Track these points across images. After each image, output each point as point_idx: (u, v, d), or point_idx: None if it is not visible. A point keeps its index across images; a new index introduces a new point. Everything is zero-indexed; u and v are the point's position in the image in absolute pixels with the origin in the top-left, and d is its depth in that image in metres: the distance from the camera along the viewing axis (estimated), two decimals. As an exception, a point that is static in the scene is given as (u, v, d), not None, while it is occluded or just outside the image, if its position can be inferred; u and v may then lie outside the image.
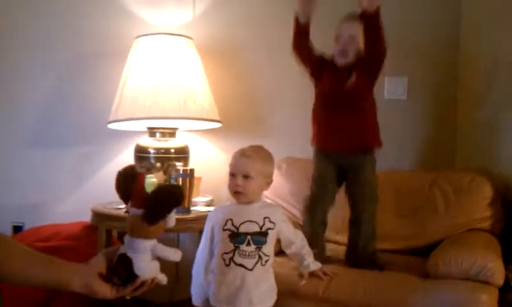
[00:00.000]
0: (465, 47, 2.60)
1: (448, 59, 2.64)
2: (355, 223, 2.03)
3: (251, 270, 1.61)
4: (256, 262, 1.62)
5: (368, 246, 2.00)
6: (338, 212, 2.12)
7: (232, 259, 1.61)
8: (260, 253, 1.63)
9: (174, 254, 1.16)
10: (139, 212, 1.11)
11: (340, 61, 1.99)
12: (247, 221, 1.64)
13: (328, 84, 2.03)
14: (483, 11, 2.46)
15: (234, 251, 1.61)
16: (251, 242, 1.62)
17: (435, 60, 2.66)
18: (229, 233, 1.62)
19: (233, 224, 1.63)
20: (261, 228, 1.64)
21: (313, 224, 2.04)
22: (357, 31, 1.96)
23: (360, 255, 1.98)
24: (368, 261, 1.96)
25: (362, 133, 2.02)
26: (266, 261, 1.64)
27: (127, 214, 1.15)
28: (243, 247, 1.61)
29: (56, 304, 2.07)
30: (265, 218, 1.66)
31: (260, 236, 1.64)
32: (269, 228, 1.66)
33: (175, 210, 1.13)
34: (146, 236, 1.12)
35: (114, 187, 1.15)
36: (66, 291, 1.09)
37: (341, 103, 2.00)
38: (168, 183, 1.15)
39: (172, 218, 1.15)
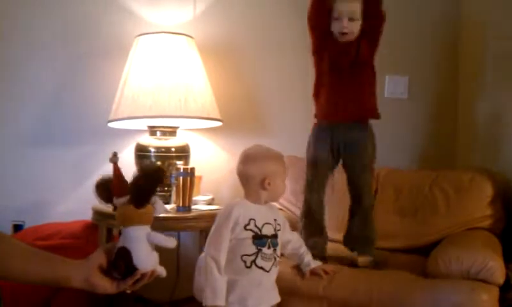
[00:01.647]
0: (466, 45, 2.60)
1: (449, 58, 2.65)
2: (354, 200, 2.01)
3: (268, 272, 1.61)
4: (272, 264, 1.62)
5: (367, 228, 1.98)
6: (339, 210, 2.12)
7: (254, 261, 1.58)
8: (275, 255, 1.63)
9: (169, 241, 1.16)
10: (124, 199, 1.12)
11: (342, 40, 1.92)
12: (266, 223, 1.63)
13: (331, 58, 1.95)
14: (483, 10, 2.46)
15: (257, 253, 1.59)
16: (270, 245, 1.61)
17: (436, 59, 2.67)
18: (252, 234, 1.59)
19: (256, 225, 1.60)
20: (274, 229, 1.64)
21: (312, 207, 2.02)
22: (355, 10, 1.88)
23: (357, 235, 1.98)
24: (364, 245, 1.95)
25: (365, 102, 1.97)
26: (278, 262, 1.64)
27: (115, 212, 1.16)
28: (265, 249, 1.60)
29: (57, 302, 2.08)
30: (274, 219, 1.66)
31: (275, 239, 1.64)
32: (279, 230, 1.66)
33: (161, 201, 1.15)
34: (138, 222, 1.14)
35: (97, 197, 1.19)
36: (67, 287, 1.10)
37: (345, 74, 1.94)
38: (146, 164, 1.18)
39: (161, 206, 1.16)
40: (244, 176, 1.69)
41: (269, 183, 1.65)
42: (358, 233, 1.99)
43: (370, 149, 1.99)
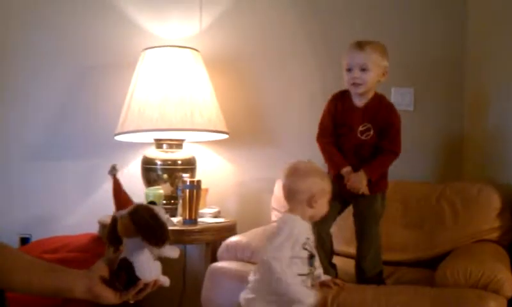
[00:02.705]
0: (471, 57, 2.60)
1: (455, 69, 2.64)
2: (361, 240, 1.98)
3: None
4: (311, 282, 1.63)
5: (376, 267, 1.96)
6: (348, 223, 2.10)
7: (304, 282, 1.57)
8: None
9: (172, 251, 1.16)
10: (125, 212, 1.12)
11: (354, 91, 1.91)
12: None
13: (344, 136, 1.94)
14: (489, 22, 2.46)
15: (308, 274, 1.59)
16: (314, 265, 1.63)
17: (441, 70, 2.66)
18: (308, 253, 1.58)
19: (310, 245, 1.59)
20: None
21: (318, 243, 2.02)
22: (367, 61, 1.86)
23: (367, 276, 1.94)
24: (375, 281, 1.93)
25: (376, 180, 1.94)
26: None
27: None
28: (312, 269, 1.61)
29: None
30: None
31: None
32: None
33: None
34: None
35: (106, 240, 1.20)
36: (70, 298, 1.10)
37: (356, 152, 1.93)
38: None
39: (173, 251, 1.16)
40: (291, 191, 1.64)
41: (315, 201, 1.62)
42: (369, 274, 1.96)
43: (379, 204, 1.97)
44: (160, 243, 1.11)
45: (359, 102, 1.93)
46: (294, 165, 1.67)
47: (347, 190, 1.90)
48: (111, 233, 1.18)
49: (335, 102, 1.97)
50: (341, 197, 1.94)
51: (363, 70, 1.86)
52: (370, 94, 1.93)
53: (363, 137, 1.91)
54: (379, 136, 1.92)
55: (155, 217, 1.13)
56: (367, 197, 1.91)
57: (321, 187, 1.63)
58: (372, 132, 1.90)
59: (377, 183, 1.94)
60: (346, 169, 1.89)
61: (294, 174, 1.64)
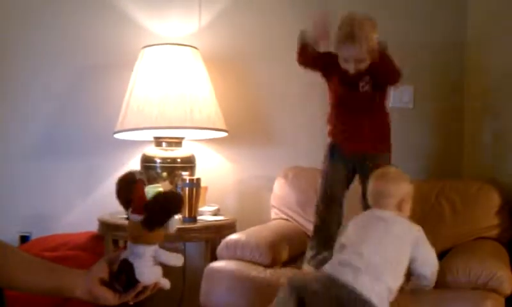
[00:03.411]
0: (471, 55, 2.60)
1: (454, 67, 2.64)
2: None
3: None
4: None
5: None
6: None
7: None
8: None
9: (176, 259, 1.16)
10: (139, 218, 1.11)
11: (349, 69, 1.95)
12: None
13: (339, 88, 2.00)
14: (489, 21, 2.46)
15: None
16: None
17: (441, 68, 2.66)
18: None
19: None
20: None
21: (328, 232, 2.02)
22: (359, 52, 1.88)
23: None
24: None
25: (375, 136, 2.00)
26: None
27: (127, 221, 1.16)
28: None
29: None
30: None
31: None
32: None
33: (175, 216, 1.13)
34: (147, 242, 1.12)
35: (115, 194, 1.16)
36: (69, 298, 1.10)
37: (353, 107, 1.98)
38: (167, 190, 1.15)
39: (173, 224, 1.15)
40: (382, 193, 1.69)
41: (404, 205, 1.68)
42: None
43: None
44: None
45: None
46: (383, 170, 1.77)
47: (349, 152, 1.97)
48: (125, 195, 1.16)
49: (329, 57, 2.00)
50: (345, 162, 1.99)
51: (360, 61, 1.89)
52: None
53: (365, 89, 1.94)
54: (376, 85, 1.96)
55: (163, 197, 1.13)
56: (373, 157, 1.95)
57: (409, 191, 1.71)
58: (369, 83, 1.94)
59: (383, 142, 1.99)
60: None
61: (385, 178, 1.72)
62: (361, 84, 1.94)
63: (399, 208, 1.67)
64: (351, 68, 1.91)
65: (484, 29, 2.51)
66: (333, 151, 2.05)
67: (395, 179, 1.70)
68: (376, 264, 1.53)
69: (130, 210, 1.14)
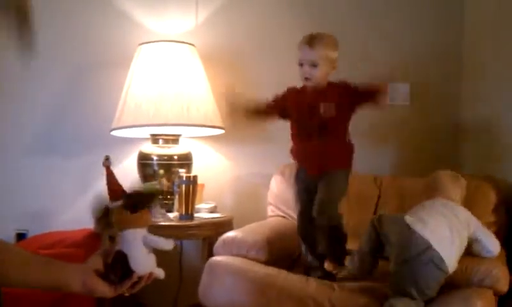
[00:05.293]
0: (468, 52, 2.60)
1: (451, 65, 2.65)
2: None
3: None
4: None
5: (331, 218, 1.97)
6: (348, 218, 2.11)
7: None
8: None
9: (166, 244, 1.16)
10: (119, 203, 1.12)
11: (305, 84, 2.01)
12: None
13: (297, 116, 2.05)
14: (486, 16, 2.46)
15: None
16: None
17: (437, 65, 2.67)
18: None
19: None
20: None
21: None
22: (315, 58, 1.94)
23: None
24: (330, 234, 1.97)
25: (333, 158, 2.01)
26: None
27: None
28: None
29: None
30: None
31: None
32: None
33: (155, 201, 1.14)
34: (133, 225, 1.13)
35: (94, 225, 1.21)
36: (65, 292, 1.10)
37: (312, 135, 2.01)
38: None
39: (156, 210, 1.16)
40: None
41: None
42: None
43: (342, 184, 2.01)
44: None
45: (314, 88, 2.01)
46: (442, 172, 2.06)
47: (310, 174, 2.03)
48: (101, 222, 1.18)
49: (288, 95, 2.10)
50: (308, 182, 2.05)
51: (313, 65, 1.94)
52: (322, 86, 2.00)
53: (327, 114, 1.96)
54: (345, 108, 1.98)
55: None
56: (332, 172, 1.99)
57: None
58: (332, 108, 1.96)
59: (343, 160, 2.02)
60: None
61: (450, 180, 2.02)
62: (322, 110, 1.96)
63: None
64: (305, 72, 1.95)
65: (480, 27, 2.51)
66: (299, 173, 2.12)
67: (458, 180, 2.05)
68: None
69: (109, 200, 1.15)
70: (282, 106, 2.10)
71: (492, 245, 1.83)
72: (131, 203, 1.12)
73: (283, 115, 2.12)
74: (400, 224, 1.76)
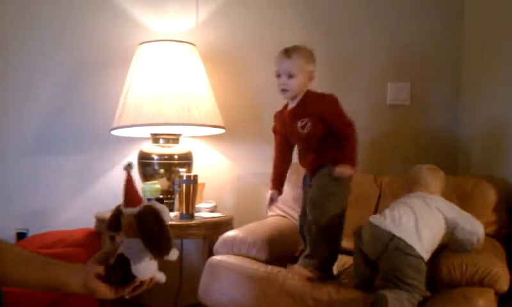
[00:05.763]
0: (467, 52, 2.60)
1: (451, 64, 2.65)
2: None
3: None
4: None
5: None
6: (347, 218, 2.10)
7: None
8: None
9: (171, 254, 1.16)
10: (132, 211, 1.12)
11: (283, 96, 2.04)
12: None
13: (287, 136, 2.12)
14: (486, 17, 2.46)
15: None
16: None
17: (438, 65, 2.67)
18: None
19: None
20: None
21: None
22: (292, 69, 1.97)
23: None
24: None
25: (325, 157, 2.02)
26: None
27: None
28: None
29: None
30: None
31: None
32: None
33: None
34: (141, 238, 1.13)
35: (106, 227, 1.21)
36: (66, 292, 1.10)
37: (303, 148, 2.09)
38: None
39: (167, 215, 1.16)
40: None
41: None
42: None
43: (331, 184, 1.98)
44: (162, 254, 1.12)
45: (292, 105, 2.05)
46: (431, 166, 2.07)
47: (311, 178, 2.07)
48: (112, 223, 1.17)
49: (275, 120, 2.17)
50: (308, 190, 2.08)
51: (290, 76, 1.97)
52: (300, 97, 2.03)
53: (304, 131, 1.99)
54: (323, 126, 1.98)
55: (160, 222, 1.12)
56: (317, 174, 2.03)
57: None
58: (310, 124, 1.98)
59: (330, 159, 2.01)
60: (271, 192, 2.16)
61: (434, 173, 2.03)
62: (299, 125, 1.99)
63: None
64: (282, 83, 1.99)
65: (480, 27, 2.51)
66: (305, 177, 2.17)
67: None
68: None
69: (123, 204, 1.15)
70: (279, 132, 2.17)
71: (470, 223, 1.81)
72: (143, 223, 1.12)
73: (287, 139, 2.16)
74: (367, 226, 1.81)
